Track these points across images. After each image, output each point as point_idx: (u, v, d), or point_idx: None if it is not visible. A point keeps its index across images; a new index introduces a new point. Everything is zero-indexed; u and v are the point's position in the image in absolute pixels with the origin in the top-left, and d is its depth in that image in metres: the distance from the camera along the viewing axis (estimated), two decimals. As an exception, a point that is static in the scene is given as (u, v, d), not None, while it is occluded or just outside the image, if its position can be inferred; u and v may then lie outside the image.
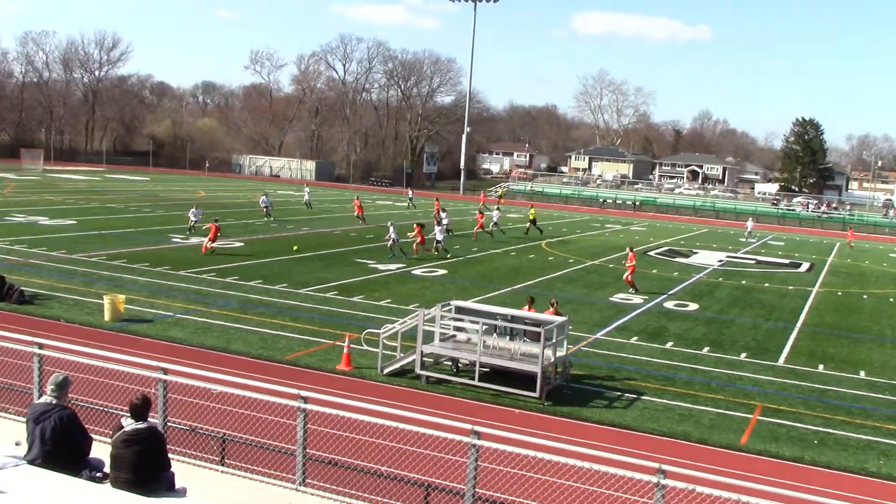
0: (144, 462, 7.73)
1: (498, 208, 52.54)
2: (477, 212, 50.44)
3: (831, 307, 31.39)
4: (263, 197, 50.00)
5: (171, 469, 8.22)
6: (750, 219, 69.63)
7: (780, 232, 73.58)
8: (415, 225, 37.87)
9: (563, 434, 13.97)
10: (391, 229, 35.96)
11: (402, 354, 18.05)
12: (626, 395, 17.47)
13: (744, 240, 59.99)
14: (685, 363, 20.66)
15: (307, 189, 62.51)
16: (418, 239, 36.42)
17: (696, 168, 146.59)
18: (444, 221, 40.88)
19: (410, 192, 72.82)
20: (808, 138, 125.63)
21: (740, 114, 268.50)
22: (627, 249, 32.41)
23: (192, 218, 39.88)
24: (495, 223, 48.01)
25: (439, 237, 37.74)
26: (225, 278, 27.68)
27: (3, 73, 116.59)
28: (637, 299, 29.42)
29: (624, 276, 31.72)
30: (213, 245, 33.16)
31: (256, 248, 36.00)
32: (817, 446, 15.13)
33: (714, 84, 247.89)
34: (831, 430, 16.05)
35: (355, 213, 50.16)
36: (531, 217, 52.26)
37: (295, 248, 35.87)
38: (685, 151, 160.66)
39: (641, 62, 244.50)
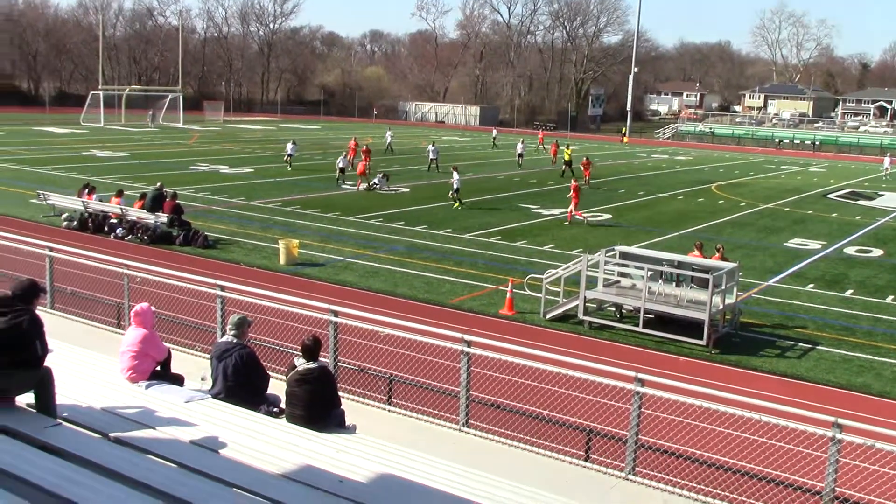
0: (315, 400, 8.13)
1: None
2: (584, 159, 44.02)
3: None
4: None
5: (342, 407, 8.62)
6: (888, 155, 62.62)
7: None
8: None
9: (730, 383, 13.59)
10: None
11: (565, 300, 18.00)
12: (800, 344, 16.73)
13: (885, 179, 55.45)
14: (866, 312, 19.53)
15: (390, 133, 60.31)
16: None
17: (884, 104, 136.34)
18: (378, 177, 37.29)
19: (495, 131, 71.27)
20: None
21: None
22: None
23: (289, 151, 44.09)
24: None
25: (376, 180, 36.27)
26: (392, 223, 28.40)
27: (188, 29, 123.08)
28: (815, 244, 27.96)
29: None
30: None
31: (422, 193, 36.63)
32: None
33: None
34: None
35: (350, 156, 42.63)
36: (567, 157, 46.03)
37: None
38: (873, 86, 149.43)
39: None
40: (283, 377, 8.71)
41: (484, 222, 29.45)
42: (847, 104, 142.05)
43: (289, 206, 31.47)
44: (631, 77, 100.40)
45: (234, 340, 8.72)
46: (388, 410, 10.77)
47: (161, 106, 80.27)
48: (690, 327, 16.32)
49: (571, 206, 30.29)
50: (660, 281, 17.62)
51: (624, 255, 18.66)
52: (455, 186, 32.73)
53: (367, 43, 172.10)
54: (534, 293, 18.84)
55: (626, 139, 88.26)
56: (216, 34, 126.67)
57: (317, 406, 8.14)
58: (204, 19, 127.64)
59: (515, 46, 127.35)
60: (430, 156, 46.35)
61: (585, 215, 30.46)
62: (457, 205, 32.54)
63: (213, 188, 35.34)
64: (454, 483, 6.81)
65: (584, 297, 17.41)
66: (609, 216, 32.71)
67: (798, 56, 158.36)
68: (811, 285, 22.03)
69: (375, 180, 36.94)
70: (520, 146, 52.64)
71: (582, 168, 41.77)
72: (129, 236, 24.18)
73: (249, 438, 7.16)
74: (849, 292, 21.44)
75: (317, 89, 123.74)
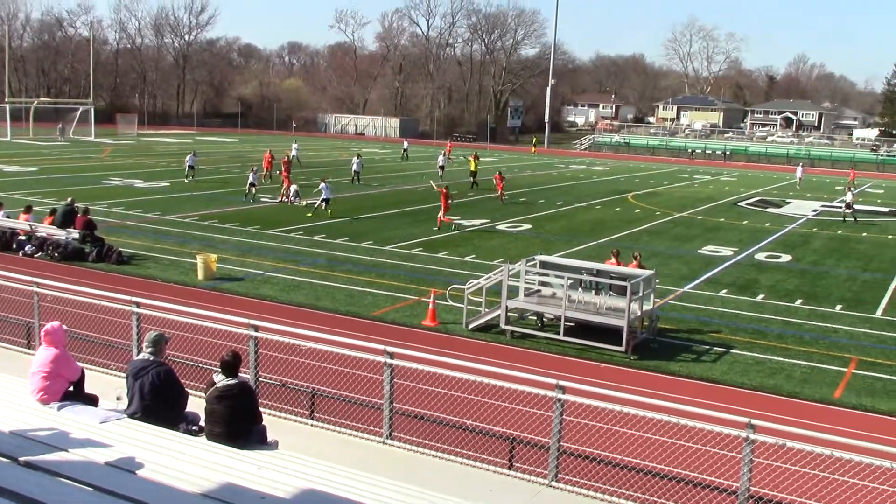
0: (236, 416, 7.99)
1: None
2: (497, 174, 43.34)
3: (934, 257, 30.11)
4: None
5: (263, 423, 8.49)
6: (800, 165, 63.23)
7: (879, 179, 70.69)
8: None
9: (649, 388, 13.85)
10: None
11: (487, 310, 18.11)
12: (715, 348, 17.19)
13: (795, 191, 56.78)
14: (777, 316, 20.18)
15: (296, 146, 58.40)
16: None
17: (790, 115, 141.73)
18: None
19: (406, 143, 71.15)
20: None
21: (839, 57, 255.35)
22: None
23: (189, 163, 44.13)
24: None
25: (292, 195, 36.50)
26: (312, 236, 28.17)
27: (99, 40, 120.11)
28: (727, 251, 28.78)
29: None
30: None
31: (342, 206, 36.40)
32: (917, 401, 14.64)
33: (811, 26, 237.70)
34: (932, 384, 15.49)
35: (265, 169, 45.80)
36: (473, 168, 46.52)
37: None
38: (779, 98, 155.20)
39: (734, 6, 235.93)
40: (203, 394, 8.55)
41: (406, 234, 29.45)
42: (755, 115, 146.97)
43: (206, 220, 30.93)
44: (549, 89, 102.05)
45: (151, 358, 8.52)
46: (311, 425, 10.66)
47: (71, 119, 78.09)
48: (610, 334, 16.60)
49: (441, 212, 30.89)
50: (579, 289, 17.89)
51: (544, 265, 18.87)
52: (324, 196, 33.12)
53: (286, 55, 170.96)
54: (456, 304, 18.92)
55: (534, 150, 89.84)
56: (129, 45, 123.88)
57: (237, 422, 8.01)
58: (116, 30, 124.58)
59: (434, 59, 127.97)
60: (354, 168, 46.18)
61: (456, 220, 31.31)
62: (309, 213, 32.78)
63: (128, 203, 34.51)
64: (378, 496, 6.78)
65: (506, 307, 17.56)
66: (529, 226, 33.08)
67: (708, 69, 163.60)
68: (724, 291, 22.66)
69: (292, 195, 36.54)
70: (441, 158, 52.90)
71: (495, 182, 41.51)
72: (39, 253, 23.40)
73: (168, 458, 7.00)
74: (760, 297, 22.12)
75: (234, 101, 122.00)
